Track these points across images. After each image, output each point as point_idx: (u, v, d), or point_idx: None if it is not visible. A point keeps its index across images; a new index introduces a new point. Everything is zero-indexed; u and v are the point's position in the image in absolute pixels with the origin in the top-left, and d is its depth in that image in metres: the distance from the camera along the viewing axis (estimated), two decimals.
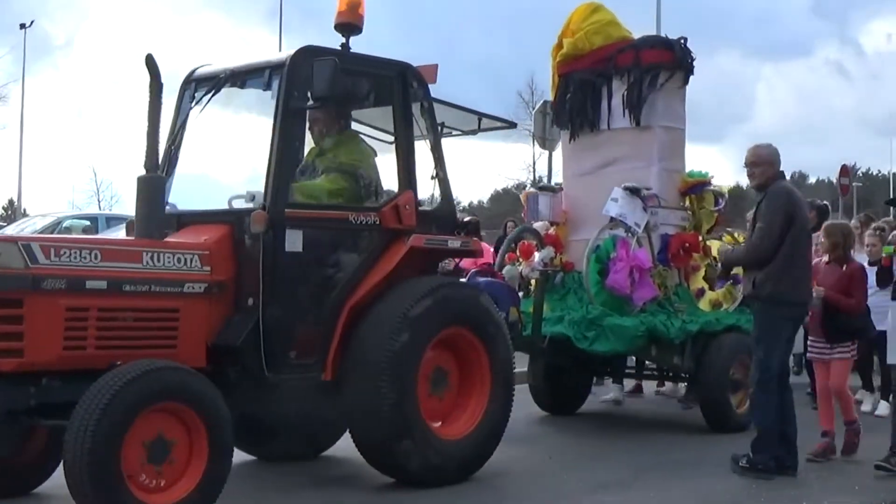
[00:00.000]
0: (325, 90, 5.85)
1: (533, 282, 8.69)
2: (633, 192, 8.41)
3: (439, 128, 6.88)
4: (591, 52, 8.99)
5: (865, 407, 9.85)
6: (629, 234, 8.33)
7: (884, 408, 9.33)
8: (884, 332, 7.34)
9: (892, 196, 32.57)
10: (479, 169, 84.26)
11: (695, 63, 8.95)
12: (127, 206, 16.61)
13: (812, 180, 59.66)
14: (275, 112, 5.99)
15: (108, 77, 78.80)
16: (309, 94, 5.98)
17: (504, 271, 8.61)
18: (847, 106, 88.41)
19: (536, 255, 8.68)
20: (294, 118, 6.07)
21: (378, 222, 6.24)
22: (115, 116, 75.96)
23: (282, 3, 41.69)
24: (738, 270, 9.08)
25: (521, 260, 8.82)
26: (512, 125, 7.71)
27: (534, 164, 38.94)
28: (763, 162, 6.87)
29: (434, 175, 6.72)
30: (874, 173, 61.64)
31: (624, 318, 7.97)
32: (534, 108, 20.49)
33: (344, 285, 6.13)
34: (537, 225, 9.15)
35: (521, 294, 8.70)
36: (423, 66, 6.86)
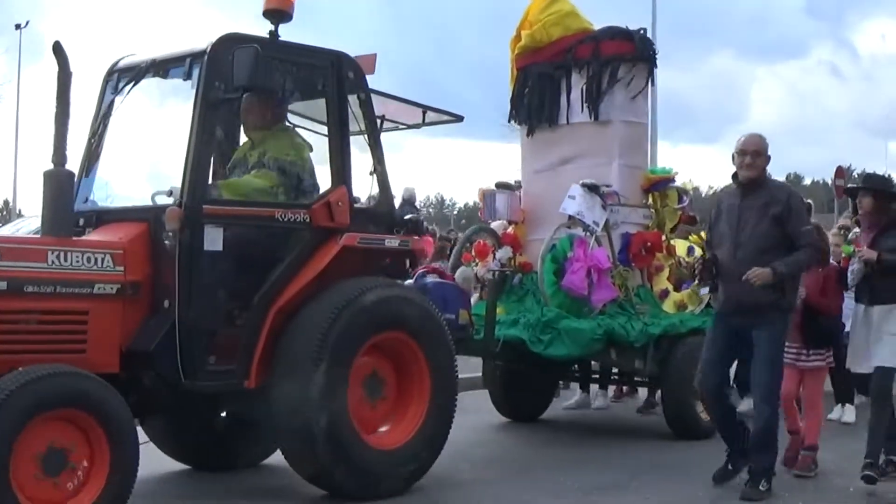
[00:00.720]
0: (245, 79, 5.39)
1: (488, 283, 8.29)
2: (592, 189, 7.97)
3: (379, 121, 6.48)
4: (550, 44, 8.53)
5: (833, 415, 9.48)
6: (587, 233, 7.90)
7: (850, 414, 9.00)
8: None
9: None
10: (474, 170, 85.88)
11: (657, 55, 8.54)
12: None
13: (807, 181, 60.18)
14: (194, 103, 5.55)
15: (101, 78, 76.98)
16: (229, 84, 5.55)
17: (457, 273, 8.17)
18: (842, 107, 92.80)
19: (494, 256, 8.28)
20: (214, 109, 5.61)
21: (308, 220, 5.78)
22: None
23: None
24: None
25: (476, 261, 8.41)
26: (459, 118, 7.27)
27: None
28: (764, 152, 6.17)
29: (372, 170, 6.29)
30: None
31: (581, 321, 7.48)
32: None
33: (270, 287, 5.65)
34: (495, 224, 8.72)
35: (477, 296, 8.30)
36: (361, 55, 6.44)
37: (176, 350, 5.31)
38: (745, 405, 9.15)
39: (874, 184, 6.66)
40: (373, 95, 6.42)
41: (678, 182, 8.64)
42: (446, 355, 6.16)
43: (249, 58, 5.35)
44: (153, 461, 6.15)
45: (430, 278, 7.42)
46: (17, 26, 36.53)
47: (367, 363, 5.89)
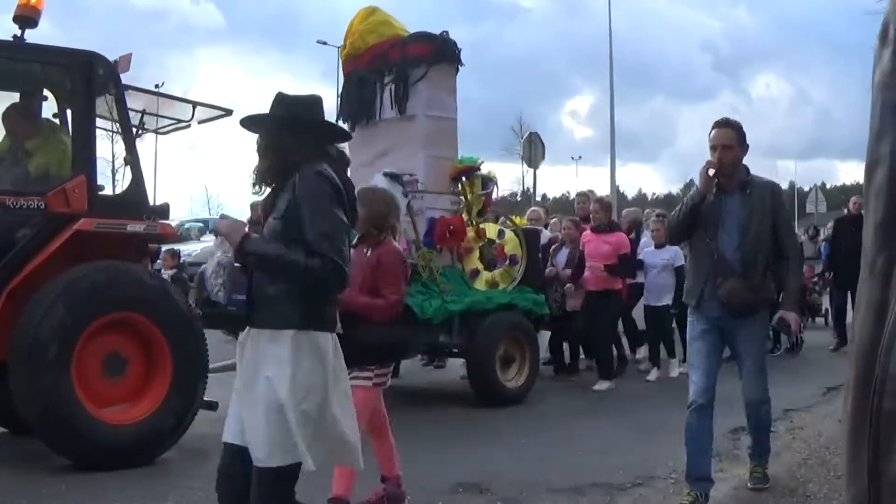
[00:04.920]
0: None
1: None
2: (394, 178, 7.67)
3: (140, 115, 6.32)
4: (367, 50, 8.28)
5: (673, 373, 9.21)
6: None
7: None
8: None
9: None
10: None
11: (460, 53, 8.27)
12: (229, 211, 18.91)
13: None
14: None
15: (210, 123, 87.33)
16: None
17: None
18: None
19: None
20: None
21: (43, 207, 5.53)
22: (217, 148, 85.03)
23: (338, 64, 45.49)
24: (515, 251, 8.44)
25: None
26: (228, 112, 7.07)
27: (522, 178, 44.61)
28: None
29: (125, 160, 6.11)
30: None
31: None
32: (522, 138, 25.32)
33: (1, 270, 5.37)
34: None
35: None
36: (120, 56, 6.29)
37: None
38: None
39: None
40: (145, 94, 6.29)
41: (484, 171, 8.33)
42: (189, 334, 5.75)
43: None
44: None
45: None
46: (157, 86, 40.13)
47: (107, 342, 5.53)
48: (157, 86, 36.79)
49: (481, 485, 5.14)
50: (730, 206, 4.69)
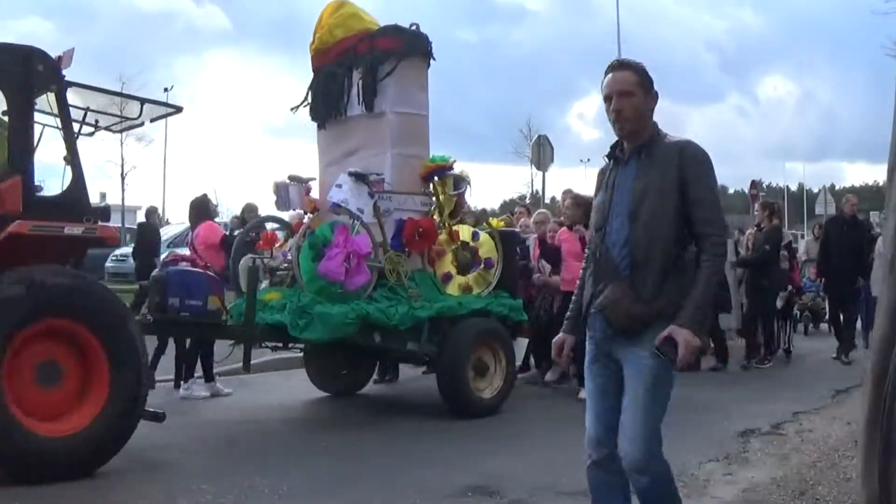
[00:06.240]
0: None
1: (279, 273, 7.68)
2: (359, 177, 7.28)
3: (84, 113, 5.95)
4: (335, 44, 7.88)
5: None
6: (354, 220, 7.27)
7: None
8: None
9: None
10: (491, 185, 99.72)
11: (432, 47, 7.84)
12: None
13: (731, 191, 70.36)
14: None
15: (217, 126, 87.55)
16: None
17: (241, 262, 7.60)
18: (749, 137, 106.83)
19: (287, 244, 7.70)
20: None
21: None
22: (223, 153, 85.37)
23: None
24: (491, 253, 8.05)
25: (264, 251, 7.81)
26: (178, 110, 6.71)
27: (531, 181, 43.17)
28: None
29: (65, 159, 5.73)
30: (774, 185, 69.37)
31: (333, 306, 6.71)
32: (531, 141, 25.87)
33: None
34: (290, 215, 8.14)
35: (265, 284, 7.71)
36: (64, 51, 5.93)
37: None
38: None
39: None
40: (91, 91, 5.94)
41: (456, 170, 7.92)
42: (128, 341, 5.42)
43: None
44: None
45: (182, 266, 6.90)
46: (165, 89, 40.52)
47: (40, 351, 5.21)
48: (165, 90, 37.60)
49: (490, 488, 5.09)
50: (621, 181, 3.34)
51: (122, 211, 37.26)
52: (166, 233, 21.13)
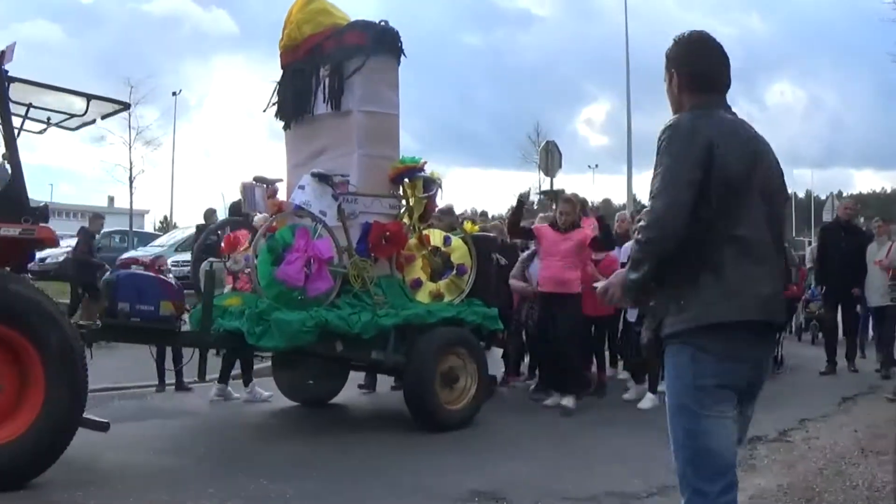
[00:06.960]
0: None
1: (241, 276, 7.38)
2: (322, 178, 6.98)
3: (26, 108, 5.69)
4: (304, 41, 7.58)
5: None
6: (316, 223, 6.96)
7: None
8: None
9: None
10: (499, 190, 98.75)
11: (402, 43, 7.53)
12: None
13: None
14: None
15: (226, 128, 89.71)
16: None
17: (201, 266, 7.31)
18: None
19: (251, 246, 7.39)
20: None
21: None
22: (232, 155, 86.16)
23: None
24: (463, 259, 7.72)
25: (227, 254, 7.52)
26: (126, 106, 6.42)
27: (539, 186, 43.10)
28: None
29: (2, 157, 5.47)
30: None
31: (291, 313, 6.39)
32: (539, 147, 25.54)
33: None
34: (259, 217, 7.83)
35: (230, 288, 7.43)
36: (6, 46, 5.67)
37: None
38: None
39: None
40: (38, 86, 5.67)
41: (427, 171, 7.57)
42: (62, 344, 5.11)
43: None
44: None
45: (133, 270, 6.61)
46: (174, 93, 43.02)
47: None
48: (174, 94, 38.11)
49: (497, 493, 5.03)
50: None
51: (129, 214, 37.38)
52: (173, 237, 21.97)
